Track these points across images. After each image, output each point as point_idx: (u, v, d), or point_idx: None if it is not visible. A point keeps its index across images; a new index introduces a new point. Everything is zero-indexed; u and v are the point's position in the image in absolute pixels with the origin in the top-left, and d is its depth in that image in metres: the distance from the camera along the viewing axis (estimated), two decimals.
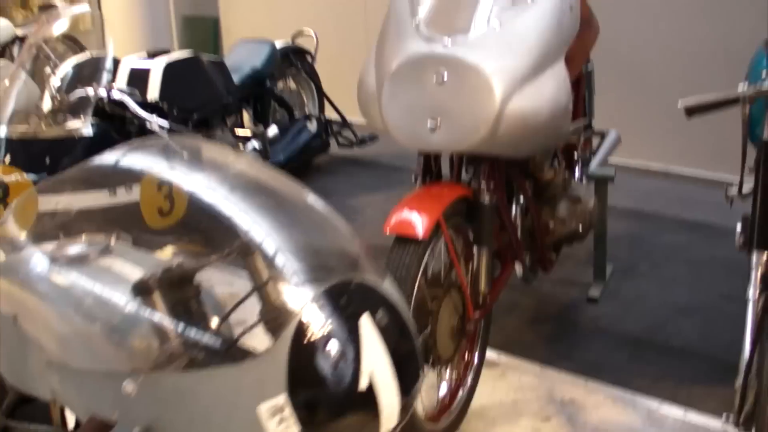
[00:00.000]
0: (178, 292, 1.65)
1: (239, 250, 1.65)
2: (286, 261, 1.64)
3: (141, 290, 1.64)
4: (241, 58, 5.81)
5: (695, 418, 3.27)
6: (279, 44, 6.04)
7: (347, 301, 1.61)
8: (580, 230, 3.76)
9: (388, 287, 1.74)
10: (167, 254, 1.80)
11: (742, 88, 2.61)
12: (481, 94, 2.81)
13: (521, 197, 3.48)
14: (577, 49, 3.69)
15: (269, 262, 1.64)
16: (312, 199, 1.91)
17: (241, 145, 5.39)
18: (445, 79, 2.83)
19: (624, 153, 5.09)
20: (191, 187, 1.82)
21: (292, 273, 1.63)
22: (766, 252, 2.53)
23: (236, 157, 2.01)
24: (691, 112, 2.69)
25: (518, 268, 3.59)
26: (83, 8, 5.83)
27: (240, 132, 5.53)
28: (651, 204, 5.31)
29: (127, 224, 1.95)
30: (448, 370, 3.20)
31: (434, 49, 2.88)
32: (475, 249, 3.16)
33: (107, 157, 1.98)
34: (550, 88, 2.99)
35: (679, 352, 3.72)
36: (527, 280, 3.67)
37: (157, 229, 1.89)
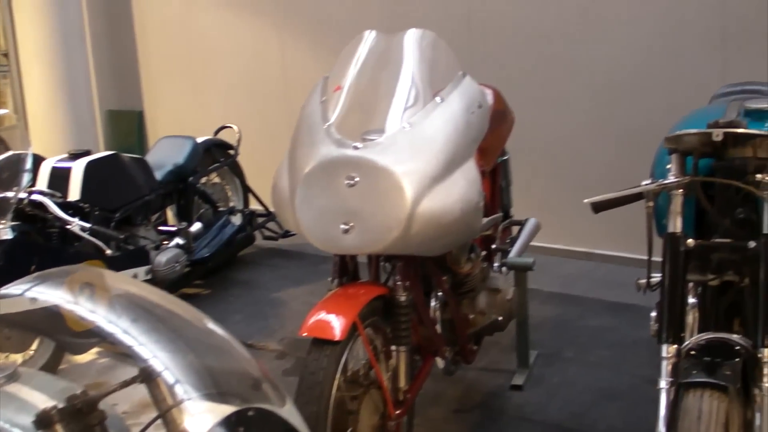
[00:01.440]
0: (82, 421, 1.64)
1: (142, 378, 1.66)
2: (187, 388, 1.65)
3: (43, 422, 1.62)
4: (163, 154, 5.82)
5: None
6: (201, 139, 6.06)
7: (246, 429, 1.62)
8: (501, 320, 3.80)
9: (289, 411, 1.75)
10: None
11: (646, 183, 2.68)
12: (392, 195, 2.86)
13: (439, 292, 3.51)
14: (491, 142, 3.78)
15: (171, 389, 1.65)
16: (212, 324, 1.92)
17: (165, 241, 5.40)
18: (357, 181, 2.87)
19: (547, 237, 5.17)
20: (94, 318, 1.82)
21: (191, 400, 1.63)
22: (675, 345, 2.57)
23: (137, 286, 2.02)
24: (597, 208, 2.76)
25: (440, 362, 3.61)
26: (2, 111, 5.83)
27: (163, 229, 5.56)
28: (575, 287, 5.38)
29: (50, 328, 1.94)
30: None
31: (345, 153, 2.92)
32: (393, 347, 3.18)
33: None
34: (461, 187, 3.05)
35: None
36: (449, 372, 3.70)
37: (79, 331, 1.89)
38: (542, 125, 5.74)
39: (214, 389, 1.70)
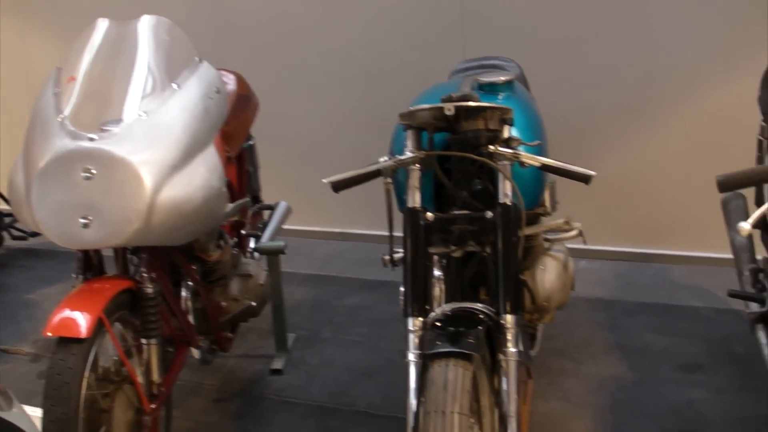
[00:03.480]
0: None
1: None
2: None
3: None
4: None
5: None
6: None
7: None
8: (255, 305, 3.78)
9: (17, 415, 1.67)
10: None
11: (383, 160, 2.71)
12: (130, 186, 2.78)
13: (189, 281, 3.45)
14: (235, 127, 3.75)
15: None
16: None
17: None
18: (94, 174, 2.78)
19: (302, 220, 5.18)
20: None
21: None
22: (421, 318, 2.62)
23: None
24: (337, 187, 2.77)
25: (196, 352, 3.55)
26: None
27: None
28: (331, 268, 5.42)
29: None
30: None
31: (80, 145, 2.82)
32: (144, 340, 3.11)
33: None
34: (202, 174, 3.01)
35: (363, 415, 3.78)
36: (206, 362, 3.64)
37: None
38: (293, 111, 5.74)
39: None
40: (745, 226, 2.15)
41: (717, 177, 2.28)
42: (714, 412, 3.61)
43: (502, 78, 3.12)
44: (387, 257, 2.96)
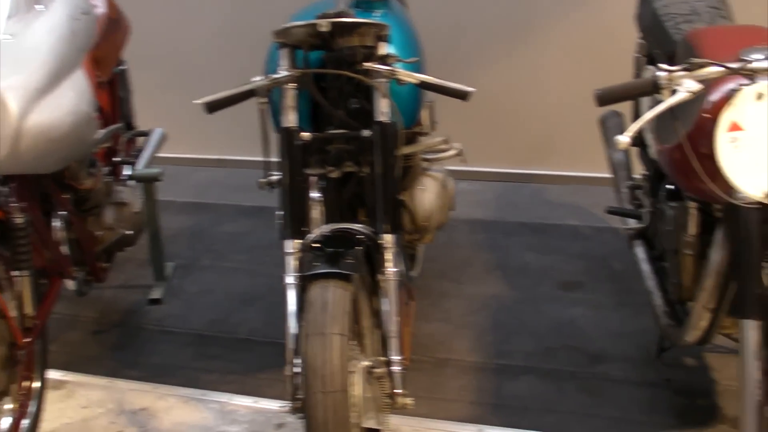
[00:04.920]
0: None
1: None
2: None
3: None
4: None
5: (267, 404, 3.31)
6: None
7: None
8: (131, 234, 3.68)
9: None
10: None
11: (257, 80, 2.64)
12: None
13: (61, 210, 3.33)
14: (105, 51, 3.61)
15: None
16: None
17: None
18: None
19: (177, 147, 5.05)
20: None
21: None
22: (299, 240, 2.58)
23: None
24: (211, 108, 2.69)
25: (70, 283, 3.45)
26: None
27: None
28: (208, 195, 5.33)
29: None
30: (6, 404, 3.02)
31: None
32: (15, 272, 2.99)
33: None
34: (70, 99, 2.89)
35: (244, 342, 3.75)
36: (81, 293, 3.54)
37: None
38: (169, 34, 5.57)
39: None
40: (624, 138, 2.15)
41: (595, 91, 2.27)
42: (594, 328, 3.68)
43: None
44: (263, 180, 2.90)
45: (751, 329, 2.23)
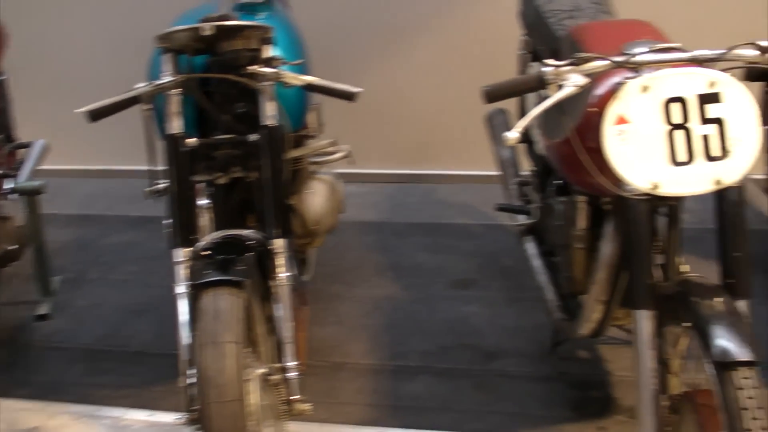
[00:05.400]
0: None
1: None
2: None
3: None
4: None
5: (162, 417, 3.25)
6: None
7: None
8: (14, 249, 3.58)
9: None
10: None
11: (141, 86, 2.59)
12: None
13: None
14: None
15: None
16: None
17: None
18: None
19: (62, 159, 4.95)
20: None
21: None
22: (189, 248, 2.54)
23: None
24: (94, 116, 2.62)
25: None
26: None
27: None
28: (95, 207, 5.22)
29: None
30: None
31: None
32: None
33: None
34: None
35: (137, 355, 3.68)
36: None
37: None
38: (50, 42, 5.45)
39: None
40: (512, 134, 2.16)
41: (483, 87, 2.28)
42: (488, 325, 3.70)
43: None
44: (150, 189, 2.85)
45: (643, 319, 2.26)
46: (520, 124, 2.19)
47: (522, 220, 3.50)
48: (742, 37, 2.33)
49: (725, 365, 2.04)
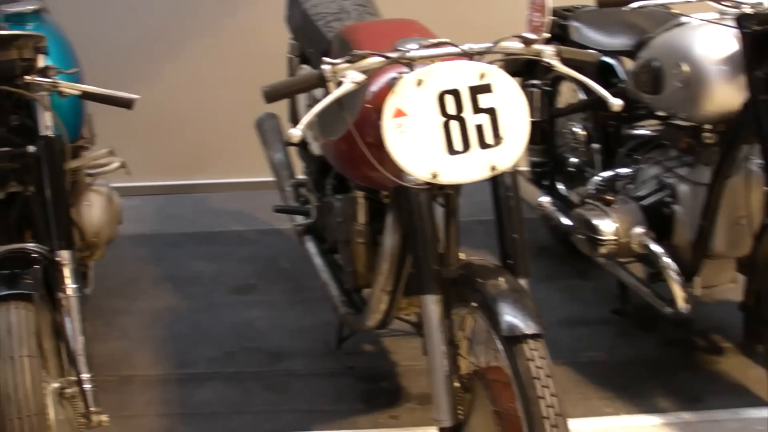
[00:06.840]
0: None
1: None
2: None
3: None
4: None
5: None
6: None
7: None
8: None
9: None
10: None
11: None
12: None
13: None
14: None
15: None
16: None
17: None
18: None
19: None
20: None
21: None
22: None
23: None
24: None
25: None
26: None
27: None
28: None
29: None
30: None
31: None
32: None
33: None
34: None
35: None
36: None
37: None
38: None
39: None
40: (296, 132, 2.20)
41: (263, 87, 2.31)
42: (272, 328, 3.74)
43: (30, 7, 2.99)
44: None
45: (432, 303, 2.34)
46: (303, 121, 2.24)
47: (301, 220, 3.56)
48: (505, 31, 2.47)
49: (514, 339, 2.16)
